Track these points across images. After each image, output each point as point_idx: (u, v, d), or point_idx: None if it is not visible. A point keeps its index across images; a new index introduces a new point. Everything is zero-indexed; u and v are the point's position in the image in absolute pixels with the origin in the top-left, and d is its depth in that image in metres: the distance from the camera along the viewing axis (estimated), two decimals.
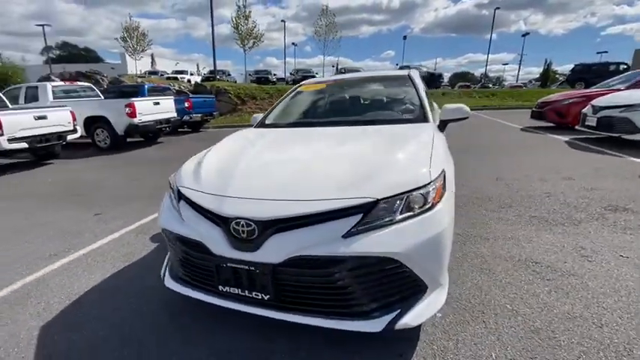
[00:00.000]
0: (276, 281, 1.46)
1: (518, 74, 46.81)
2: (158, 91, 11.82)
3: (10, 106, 7.37)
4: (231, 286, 1.55)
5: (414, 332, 1.68)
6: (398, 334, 1.63)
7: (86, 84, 10.45)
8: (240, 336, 1.72)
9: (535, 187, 3.88)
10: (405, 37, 48.11)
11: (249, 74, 25.75)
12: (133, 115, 8.17)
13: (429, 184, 1.53)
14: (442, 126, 2.59)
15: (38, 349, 1.72)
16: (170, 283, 1.85)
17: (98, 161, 7.22)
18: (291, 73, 25.77)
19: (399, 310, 1.44)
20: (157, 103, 9.04)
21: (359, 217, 1.42)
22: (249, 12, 25.80)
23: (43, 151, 7.11)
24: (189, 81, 24.20)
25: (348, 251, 1.37)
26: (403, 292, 1.48)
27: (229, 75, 28.81)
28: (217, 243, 1.53)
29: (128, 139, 9.00)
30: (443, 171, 1.68)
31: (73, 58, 59.34)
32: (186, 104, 10.67)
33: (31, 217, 3.77)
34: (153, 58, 31.78)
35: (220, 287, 1.58)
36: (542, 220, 2.98)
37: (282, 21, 38.13)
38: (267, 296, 1.49)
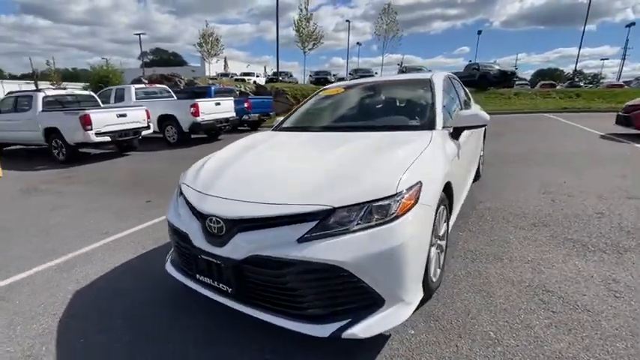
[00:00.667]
0: (238, 276, 1.58)
1: (620, 71, 39.89)
2: (225, 92, 12.93)
3: (102, 106, 8.81)
4: (205, 275, 1.73)
5: (377, 345, 1.66)
6: (359, 345, 1.63)
7: (163, 86, 11.93)
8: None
9: (587, 206, 3.37)
10: (479, 32, 44.58)
11: (310, 75, 26.48)
12: (196, 114, 9.09)
13: (393, 195, 1.50)
14: (456, 133, 2.44)
15: (68, 308, 2.11)
16: (169, 267, 2.11)
17: (165, 155, 8.22)
18: (349, 74, 25.74)
19: (349, 320, 1.46)
20: (218, 104, 9.90)
21: (314, 223, 1.47)
22: (311, 15, 26.67)
23: (124, 143, 8.35)
24: (254, 82, 25.80)
25: (299, 255, 1.42)
26: (357, 302, 1.49)
27: (291, 76, 29.85)
28: (197, 236, 1.71)
29: (193, 136, 10.03)
30: (419, 183, 1.62)
31: (162, 62, 67.35)
32: (245, 105, 11.45)
33: (99, 199, 4.51)
34: (226, 61, 34.84)
35: (197, 275, 1.77)
36: (579, 243, 2.61)
37: (347, 21, 38.26)
38: (230, 289, 1.62)
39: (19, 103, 7.91)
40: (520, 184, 4.24)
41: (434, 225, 1.75)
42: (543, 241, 2.70)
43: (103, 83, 21.02)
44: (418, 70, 23.08)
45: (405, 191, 1.54)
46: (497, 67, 20.45)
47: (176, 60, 76.01)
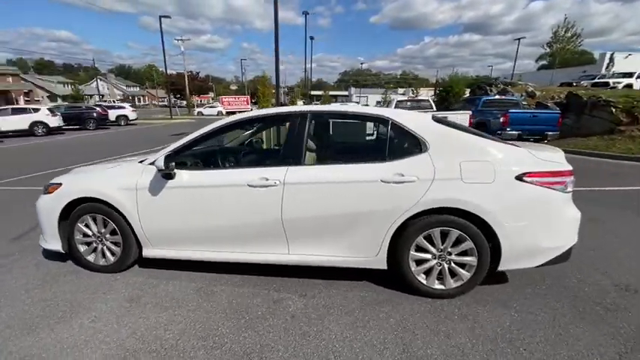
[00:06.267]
0: None
1: None
2: (502, 103, 12.56)
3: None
4: None
5: None
6: None
7: (423, 97, 15.50)
8: None
9: None
10: None
11: None
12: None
13: (50, 185, 2.95)
14: (166, 175, 2.52)
15: None
16: None
17: None
18: None
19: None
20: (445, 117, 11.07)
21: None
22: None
23: None
24: (627, 86, 18.49)
25: None
26: None
27: None
28: None
29: None
30: (59, 184, 2.89)
31: (565, 63, 57.85)
32: (501, 119, 10.34)
33: None
34: (611, 59, 26.13)
35: None
36: None
37: None
38: None
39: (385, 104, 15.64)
40: None
41: (67, 213, 2.80)
42: None
43: (446, 92, 22.62)
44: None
45: (52, 184, 2.88)
46: None
47: (582, 59, 62.40)
